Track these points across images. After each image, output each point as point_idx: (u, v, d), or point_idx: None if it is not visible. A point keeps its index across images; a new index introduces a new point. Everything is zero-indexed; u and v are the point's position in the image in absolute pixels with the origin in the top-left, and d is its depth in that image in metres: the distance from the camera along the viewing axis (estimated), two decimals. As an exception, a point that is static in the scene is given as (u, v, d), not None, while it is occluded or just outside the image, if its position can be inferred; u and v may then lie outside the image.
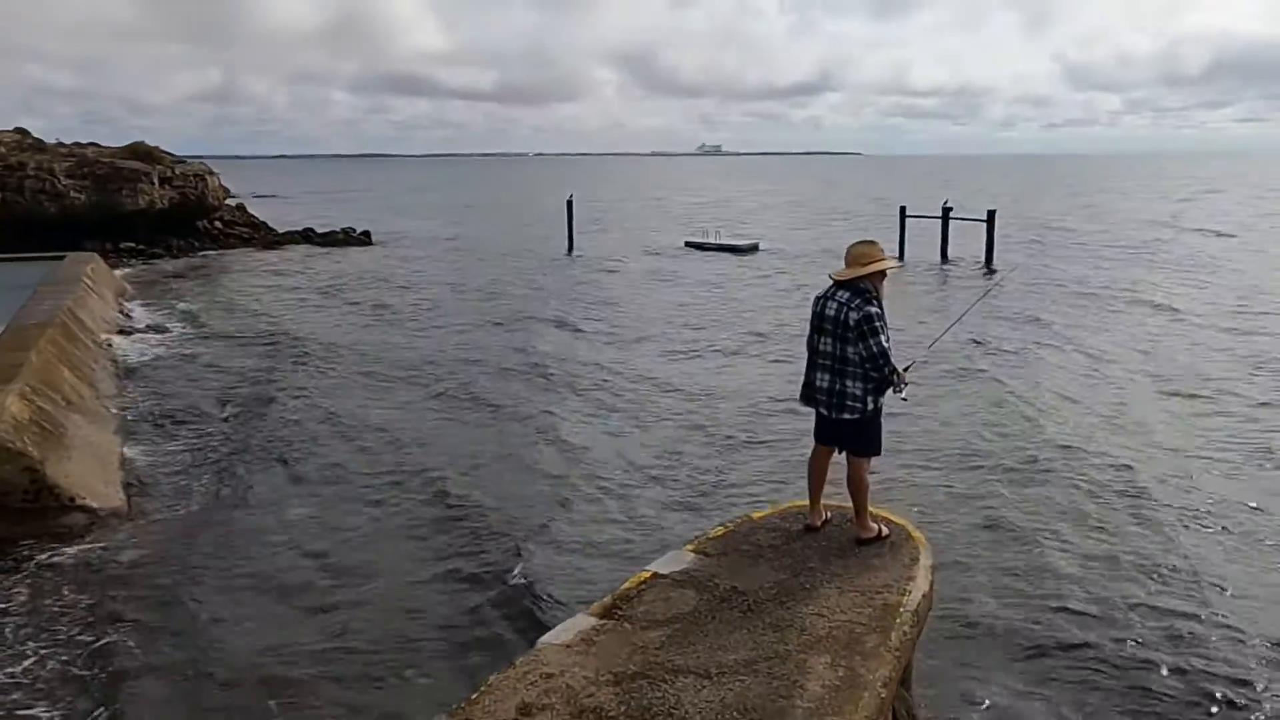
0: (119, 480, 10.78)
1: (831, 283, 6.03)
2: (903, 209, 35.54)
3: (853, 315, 5.79)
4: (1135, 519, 9.51)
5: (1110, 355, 17.09)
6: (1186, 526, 9.25)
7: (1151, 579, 8.26)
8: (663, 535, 8.92)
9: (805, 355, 6.11)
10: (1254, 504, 9.80)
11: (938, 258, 32.98)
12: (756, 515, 6.58)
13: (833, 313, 5.87)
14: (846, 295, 5.87)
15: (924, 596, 5.41)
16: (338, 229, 44.76)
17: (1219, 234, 41.45)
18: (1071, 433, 12.29)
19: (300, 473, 11.20)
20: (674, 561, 5.85)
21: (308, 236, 43.53)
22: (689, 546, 6.10)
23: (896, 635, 4.94)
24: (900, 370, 5.87)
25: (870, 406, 5.92)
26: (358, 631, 7.57)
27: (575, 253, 36.94)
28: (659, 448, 11.94)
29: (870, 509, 6.14)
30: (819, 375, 5.98)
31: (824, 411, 6.00)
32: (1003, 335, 18.84)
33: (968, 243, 33.13)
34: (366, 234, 44.33)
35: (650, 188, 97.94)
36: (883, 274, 5.99)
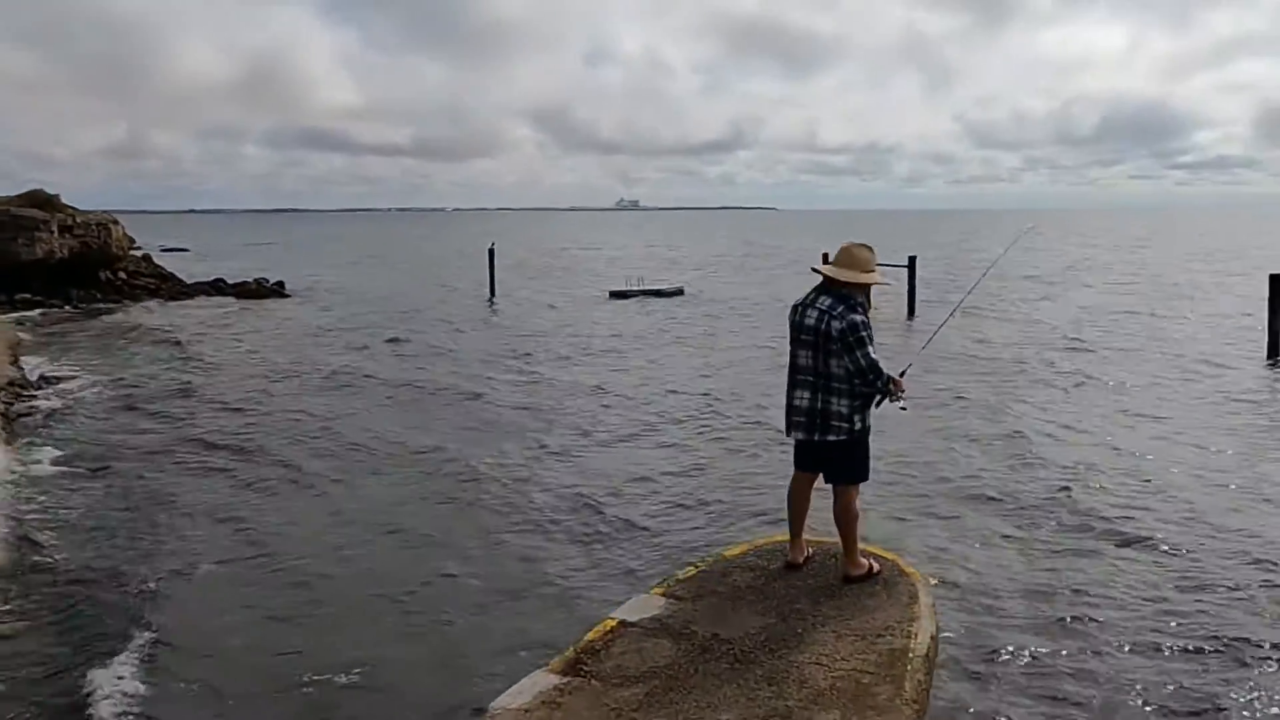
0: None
1: (812, 290, 5.42)
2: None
3: (835, 325, 5.17)
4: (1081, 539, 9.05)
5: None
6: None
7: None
8: (623, 579, 8.09)
9: (784, 378, 5.48)
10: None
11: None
12: (729, 553, 5.87)
13: (812, 322, 5.24)
14: (829, 302, 5.25)
15: (932, 639, 4.76)
16: (250, 280, 43.26)
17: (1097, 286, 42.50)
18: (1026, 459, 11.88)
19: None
20: (641, 607, 5.10)
21: (218, 287, 41.93)
22: (656, 590, 5.36)
23: (911, 685, 4.26)
24: (895, 377, 5.25)
25: (859, 426, 5.29)
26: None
27: (498, 300, 36.11)
28: (609, 484, 11.08)
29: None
30: (798, 393, 5.32)
31: (800, 435, 5.35)
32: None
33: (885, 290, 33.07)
34: (281, 284, 42.90)
35: (571, 240, 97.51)
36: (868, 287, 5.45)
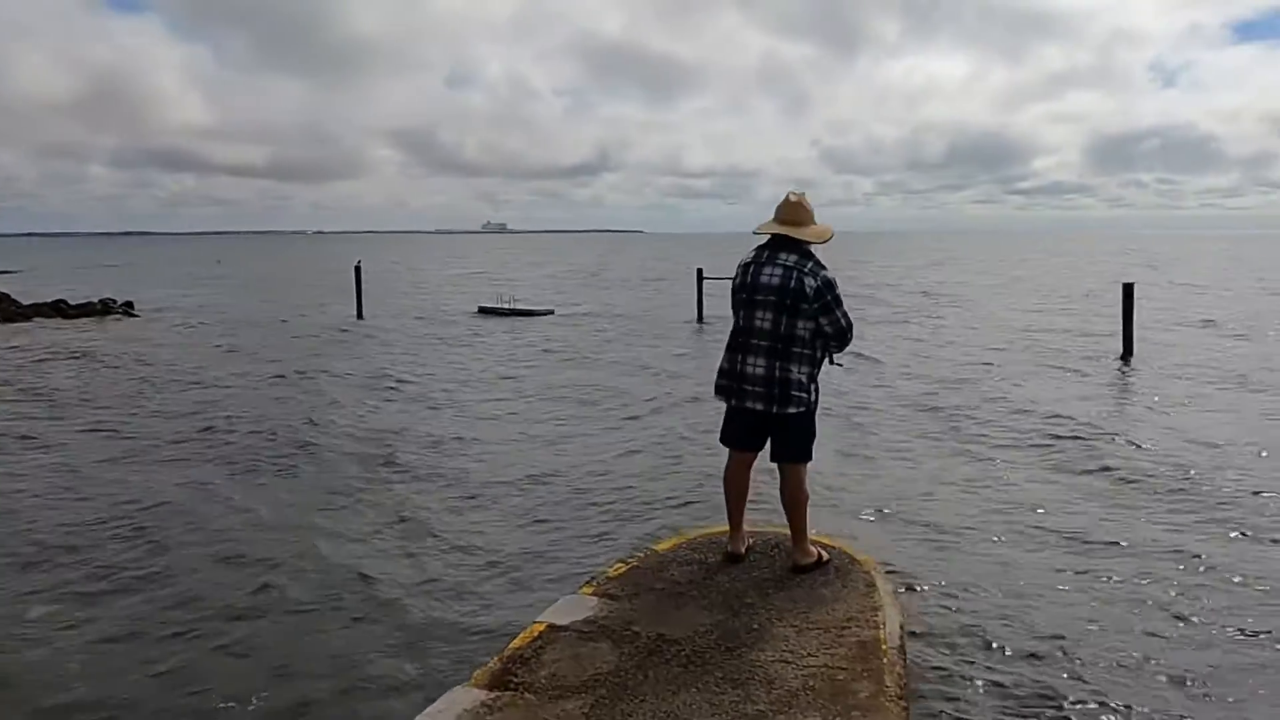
0: None
1: (760, 248, 4.90)
2: (699, 270, 35.63)
3: (809, 282, 4.69)
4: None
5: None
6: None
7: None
8: (542, 581, 7.18)
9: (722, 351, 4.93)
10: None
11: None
12: (660, 547, 5.28)
13: (778, 280, 4.72)
14: (794, 258, 4.77)
15: (901, 629, 4.27)
16: (95, 300, 40.55)
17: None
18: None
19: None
20: (571, 609, 4.45)
21: (59, 309, 39.02)
22: (586, 589, 4.72)
23: (892, 679, 3.74)
24: None
25: (814, 397, 4.81)
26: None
27: (365, 319, 34.63)
28: (504, 487, 10.09)
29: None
30: (751, 360, 4.75)
31: (757, 405, 4.76)
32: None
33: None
34: (129, 305, 40.35)
35: (438, 261, 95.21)
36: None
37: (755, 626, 4.20)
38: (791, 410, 4.72)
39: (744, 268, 4.91)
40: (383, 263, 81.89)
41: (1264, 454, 10.29)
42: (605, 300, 43.58)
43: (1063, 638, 5.37)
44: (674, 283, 51.40)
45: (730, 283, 5.01)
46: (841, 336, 4.83)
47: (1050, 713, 4.71)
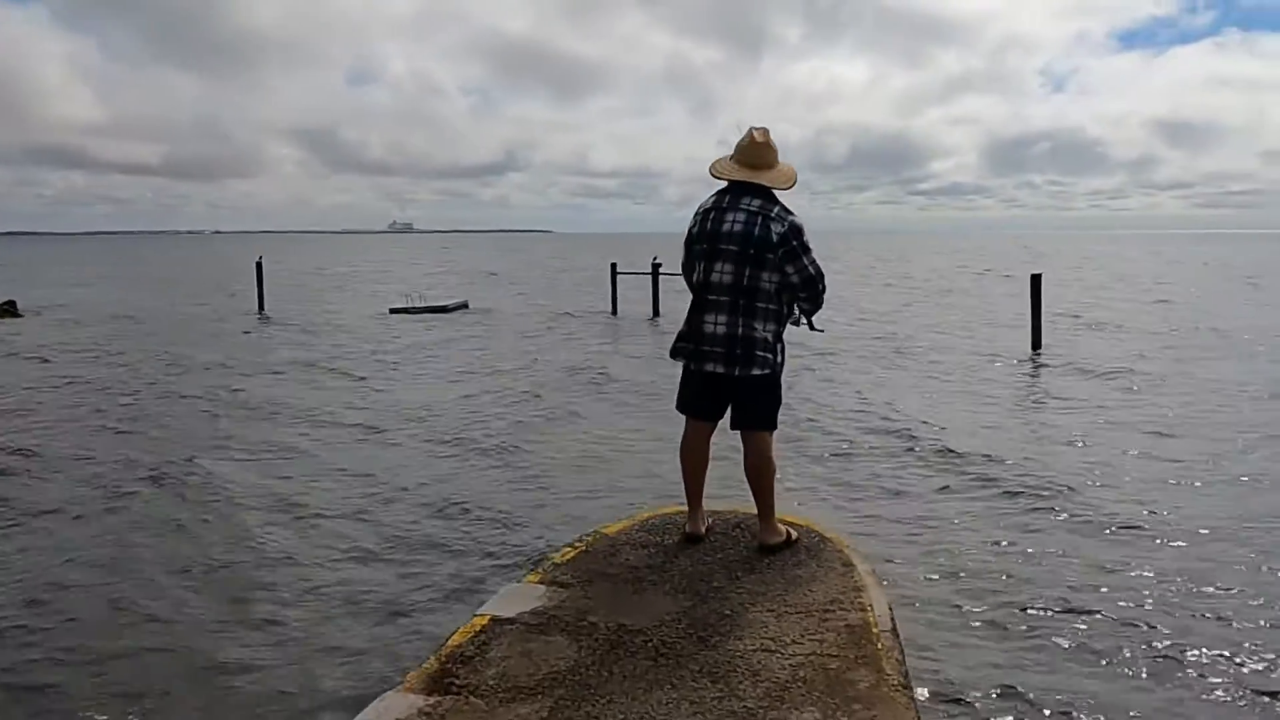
0: None
1: (720, 193, 4.42)
2: (614, 265, 35.18)
3: (776, 228, 4.24)
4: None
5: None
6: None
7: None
8: (477, 573, 6.51)
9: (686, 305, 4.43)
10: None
11: (649, 311, 32.66)
12: (610, 530, 4.73)
13: (740, 227, 4.25)
14: (758, 203, 4.30)
15: (891, 610, 3.82)
16: (-28, 299, 38.18)
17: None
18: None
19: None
20: (517, 599, 3.89)
21: (-67, 308, 36.75)
22: (531, 577, 4.16)
23: (892, 666, 3.27)
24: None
25: (780, 359, 4.35)
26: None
27: (267, 317, 33.20)
28: (435, 479, 9.41)
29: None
30: (712, 318, 4.27)
31: (718, 368, 4.27)
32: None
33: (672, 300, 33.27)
34: (12, 304, 38.10)
35: (344, 261, 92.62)
36: None
37: (728, 612, 3.70)
38: (755, 372, 4.24)
39: (702, 215, 4.41)
40: (286, 261, 79.36)
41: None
42: (517, 296, 42.85)
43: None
44: (586, 279, 51.05)
45: (689, 231, 4.50)
46: (811, 286, 4.37)
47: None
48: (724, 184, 4.44)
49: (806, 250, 4.29)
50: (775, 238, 4.21)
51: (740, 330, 4.21)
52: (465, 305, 37.10)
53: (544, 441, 10.82)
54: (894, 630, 3.60)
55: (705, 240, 4.33)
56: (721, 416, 4.45)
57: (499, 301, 39.76)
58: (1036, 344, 19.52)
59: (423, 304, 36.80)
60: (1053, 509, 7.82)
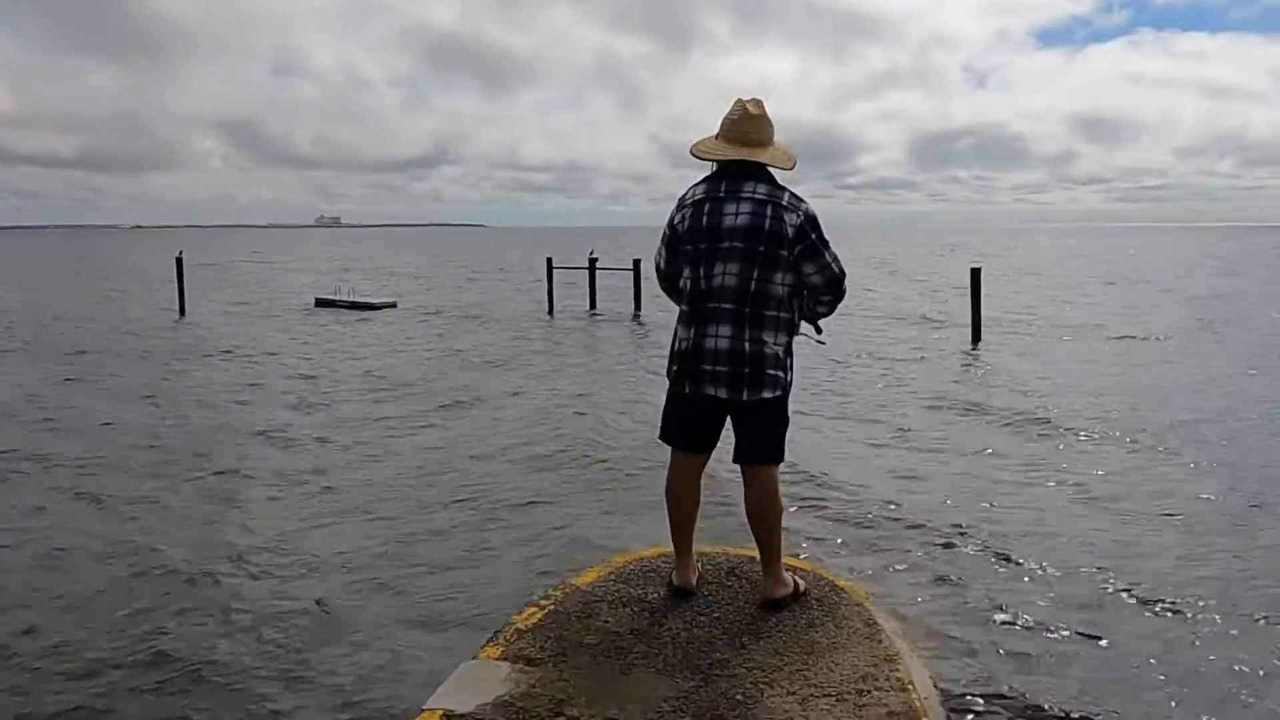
0: None
1: (713, 178, 3.66)
2: (549, 260, 34.38)
3: (789, 219, 3.49)
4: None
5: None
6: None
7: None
8: (422, 646, 5.20)
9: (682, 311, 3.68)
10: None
11: (586, 306, 31.93)
12: (580, 580, 3.97)
13: (745, 220, 3.50)
14: (764, 189, 3.55)
15: (935, 686, 3.15)
16: None
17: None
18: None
19: None
20: (474, 684, 3.11)
21: None
22: (489, 650, 3.38)
23: (959, 774, 2.61)
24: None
25: (790, 377, 3.63)
26: None
27: (188, 317, 31.60)
28: (360, 511, 8.21)
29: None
30: (713, 329, 3.52)
31: (721, 391, 3.52)
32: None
33: (613, 295, 32.60)
34: (-91, 301, 35.94)
35: (269, 256, 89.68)
36: None
37: (739, 698, 2.98)
38: (767, 395, 3.51)
39: (693, 207, 3.64)
40: (208, 257, 76.80)
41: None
42: (449, 292, 41.72)
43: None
44: (520, 275, 49.94)
45: (666, 231, 3.75)
46: (835, 287, 3.65)
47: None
48: (705, 174, 3.72)
49: (826, 244, 3.58)
50: (790, 231, 3.48)
51: (748, 345, 3.48)
52: (394, 304, 35.96)
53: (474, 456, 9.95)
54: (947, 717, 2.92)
55: (701, 238, 3.57)
56: (710, 450, 3.74)
57: (429, 298, 38.66)
58: (976, 338, 19.20)
59: (351, 299, 35.59)
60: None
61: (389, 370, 16.56)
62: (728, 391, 3.50)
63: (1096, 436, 9.87)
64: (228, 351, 20.33)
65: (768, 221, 3.48)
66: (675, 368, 3.64)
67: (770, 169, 3.62)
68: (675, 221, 3.68)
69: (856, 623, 3.52)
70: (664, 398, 3.79)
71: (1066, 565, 5.95)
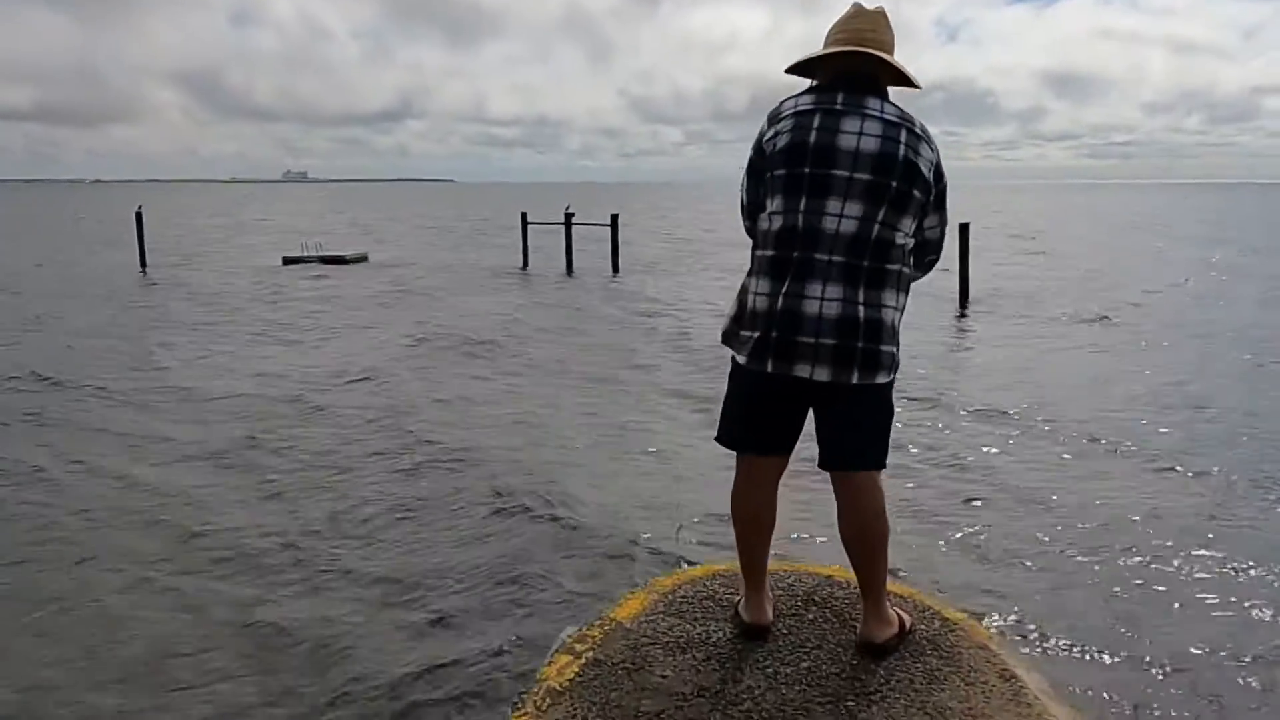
0: None
1: (818, 92, 2.75)
2: (524, 215, 33.39)
3: (926, 153, 2.68)
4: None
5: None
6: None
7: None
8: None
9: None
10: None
11: (563, 265, 31.01)
12: (621, 613, 3.14)
13: (873, 145, 2.63)
14: (895, 111, 2.70)
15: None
16: None
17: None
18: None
19: None
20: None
21: None
22: (519, 718, 2.60)
23: None
24: None
25: (899, 357, 2.77)
26: None
27: (150, 272, 30.28)
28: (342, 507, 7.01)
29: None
30: (817, 290, 2.62)
31: (822, 373, 2.63)
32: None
33: (588, 252, 31.75)
34: None
35: (234, 211, 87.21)
36: None
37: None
38: (881, 379, 2.68)
39: (795, 119, 2.70)
40: (171, 212, 74.77)
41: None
42: (420, 248, 40.52)
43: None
44: (491, 230, 48.74)
45: (751, 154, 2.85)
46: (937, 248, 2.92)
47: None
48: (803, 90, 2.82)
49: (946, 195, 2.83)
50: (926, 168, 2.66)
51: (863, 310, 2.62)
52: (365, 257, 34.86)
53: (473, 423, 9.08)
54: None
55: (804, 160, 2.65)
56: (789, 451, 2.89)
57: (400, 253, 37.57)
58: (964, 300, 18.44)
59: (320, 253, 34.41)
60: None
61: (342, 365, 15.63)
62: (831, 372, 2.62)
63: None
64: (197, 320, 19.25)
65: (902, 149, 2.63)
66: (753, 337, 2.70)
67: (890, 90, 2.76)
68: (766, 138, 2.77)
69: (989, 675, 2.72)
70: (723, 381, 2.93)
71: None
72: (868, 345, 2.63)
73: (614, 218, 31.27)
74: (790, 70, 2.88)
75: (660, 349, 13.41)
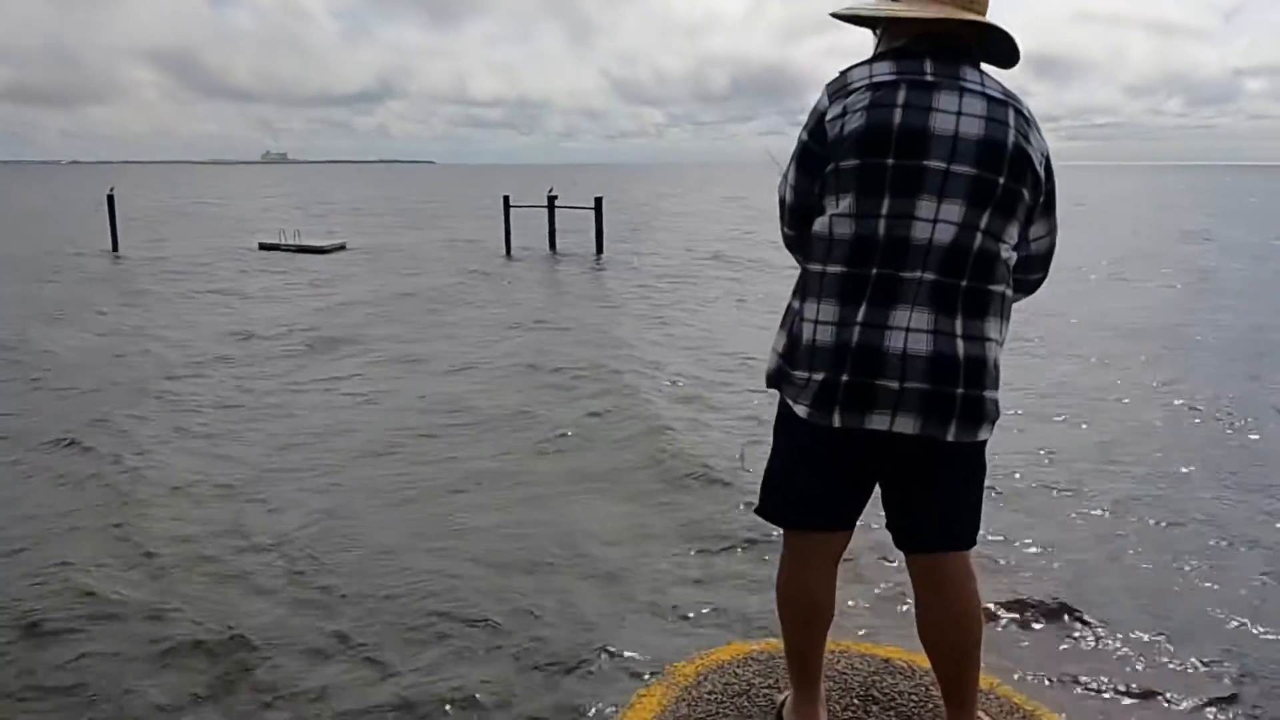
0: None
1: (902, 54, 2.07)
2: (506, 199, 32.73)
3: (1038, 143, 2.05)
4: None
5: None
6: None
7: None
8: None
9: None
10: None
11: (546, 247, 30.35)
12: (638, 716, 2.54)
13: (977, 128, 1.98)
14: (998, 87, 2.06)
15: None
16: None
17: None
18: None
19: None
20: None
21: None
22: None
23: None
24: None
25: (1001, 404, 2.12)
26: None
27: (121, 256, 29.45)
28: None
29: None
30: (901, 316, 1.99)
31: (912, 425, 2.00)
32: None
33: (573, 233, 31.24)
34: None
35: (212, 194, 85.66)
36: None
37: None
38: (983, 435, 2.06)
39: (871, 91, 2.04)
40: (147, 194, 73.41)
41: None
42: (401, 234, 39.68)
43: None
44: (473, 215, 47.97)
45: (803, 136, 2.17)
46: (1048, 263, 2.25)
47: None
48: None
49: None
50: (1039, 161, 2.05)
51: (962, 346, 2.01)
52: (343, 246, 34.04)
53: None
54: None
55: (888, 146, 2.01)
56: (852, 525, 2.23)
57: (381, 240, 36.78)
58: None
59: (296, 242, 33.55)
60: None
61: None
62: (920, 425, 2.00)
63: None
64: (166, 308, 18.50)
65: (1012, 135, 2.00)
66: (814, 380, 2.07)
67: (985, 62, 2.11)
68: (829, 117, 2.08)
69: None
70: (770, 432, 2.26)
71: None
72: (969, 391, 2.00)
73: (598, 201, 30.73)
74: (839, 15, 2.18)
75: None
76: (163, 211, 53.46)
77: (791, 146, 2.17)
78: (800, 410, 2.10)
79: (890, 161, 1.99)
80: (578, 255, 28.85)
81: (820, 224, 2.10)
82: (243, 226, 41.69)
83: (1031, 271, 2.21)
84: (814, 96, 2.15)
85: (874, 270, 2.00)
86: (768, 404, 2.36)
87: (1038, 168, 2.03)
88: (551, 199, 32.02)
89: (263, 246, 33.13)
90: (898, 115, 1.99)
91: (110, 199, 32.96)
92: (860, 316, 2.00)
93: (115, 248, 30.52)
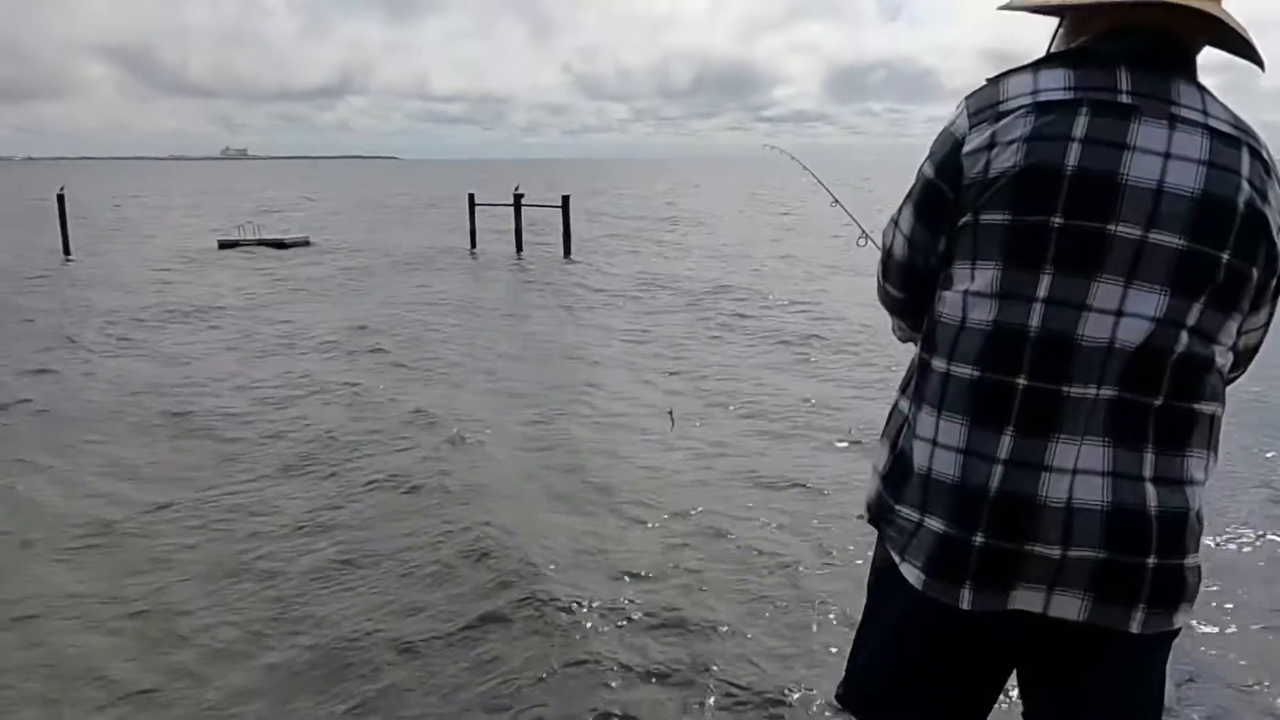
0: None
1: (1079, 58, 1.47)
2: (471, 196, 32.56)
3: (1276, 198, 1.43)
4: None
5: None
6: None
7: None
8: None
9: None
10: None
11: (512, 247, 30.23)
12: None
13: (1191, 180, 1.38)
14: (1227, 116, 1.44)
15: None
16: None
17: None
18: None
19: None
20: None
21: None
22: None
23: None
24: None
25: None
26: None
27: (72, 260, 28.64)
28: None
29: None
30: (1067, 453, 1.42)
31: (1077, 610, 1.45)
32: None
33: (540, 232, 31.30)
34: None
35: (170, 191, 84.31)
36: None
37: None
38: (1180, 620, 1.50)
39: (1036, 115, 1.44)
40: (102, 191, 72.21)
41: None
42: (366, 230, 39.31)
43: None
44: (436, 211, 47.64)
45: (928, 173, 1.57)
46: (1250, 360, 1.68)
47: None
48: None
49: None
50: (1277, 228, 1.44)
51: (1154, 495, 1.44)
52: (307, 241, 33.66)
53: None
54: None
55: (1056, 199, 1.42)
56: None
57: (345, 235, 36.43)
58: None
59: (257, 237, 33.08)
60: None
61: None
62: (1093, 609, 1.47)
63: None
64: (128, 310, 18.07)
65: (1245, 190, 1.42)
66: (933, 533, 1.52)
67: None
68: (968, 148, 1.49)
69: None
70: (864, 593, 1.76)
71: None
72: (1164, 560, 1.45)
73: (565, 199, 30.63)
74: (1012, 6, 1.60)
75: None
76: (119, 209, 52.56)
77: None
78: (910, 574, 1.54)
79: (1057, 221, 1.42)
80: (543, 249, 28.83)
81: (947, 301, 1.52)
82: (202, 224, 41.09)
83: (1232, 369, 1.60)
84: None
85: (1022, 380, 1.44)
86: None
87: (1275, 236, 1.44)
88: (518, 197, 31.81)
89: (222, 245, 32.57)
90: (1073, 154, 1.41)
91: (60, 198, 31.94)
92: (1004, 450, 1.45)
93: (67, 252, 29.58)
